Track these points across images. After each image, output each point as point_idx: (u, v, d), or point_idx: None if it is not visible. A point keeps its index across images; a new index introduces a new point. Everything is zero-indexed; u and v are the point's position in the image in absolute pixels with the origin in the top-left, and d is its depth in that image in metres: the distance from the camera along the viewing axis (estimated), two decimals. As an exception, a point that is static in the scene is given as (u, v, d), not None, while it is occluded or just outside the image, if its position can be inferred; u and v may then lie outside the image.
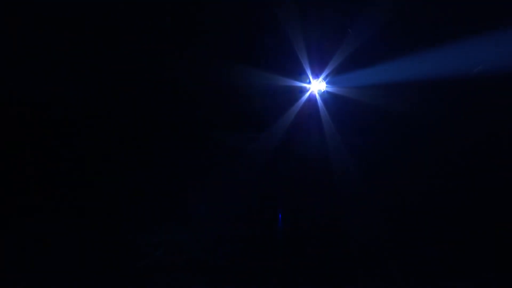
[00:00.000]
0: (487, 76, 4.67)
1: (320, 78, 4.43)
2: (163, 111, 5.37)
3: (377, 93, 4.56)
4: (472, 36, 4.74)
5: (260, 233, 5.14)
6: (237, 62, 5.36)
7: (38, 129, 5.20)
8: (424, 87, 4.71)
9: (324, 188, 4.58)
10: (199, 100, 5.38)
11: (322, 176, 4.59)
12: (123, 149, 5.31)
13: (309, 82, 4.46)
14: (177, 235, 5.24)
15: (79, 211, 5.21)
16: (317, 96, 4.44)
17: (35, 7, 5.00)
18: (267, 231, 4.99)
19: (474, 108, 4.87)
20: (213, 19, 5.31)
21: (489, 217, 5.13)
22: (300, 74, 4.60)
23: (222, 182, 5.35)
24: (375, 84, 4.52)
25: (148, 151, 5.36)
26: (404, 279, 4.68)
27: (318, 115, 4.52)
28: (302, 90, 4.58)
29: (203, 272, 4.93)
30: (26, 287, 4.57)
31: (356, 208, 4.72)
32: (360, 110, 4.63)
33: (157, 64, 5.34)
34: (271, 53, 5.24)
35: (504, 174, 5.05)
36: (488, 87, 4.70)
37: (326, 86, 4.37)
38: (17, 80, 5.15)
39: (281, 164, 4.61)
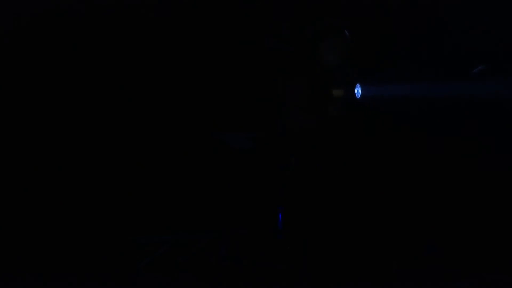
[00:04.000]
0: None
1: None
2: (163, 111, 5.37)
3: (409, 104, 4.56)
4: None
5: (261, 233, 5.14)
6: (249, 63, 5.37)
7: (38, 128, 5.20)
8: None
9: (324, 189, 4.58)
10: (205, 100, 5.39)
11: (321, 177, 4.59)
12: (122, 149, 5.31)
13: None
14: (177, 235, 5.24)
15: (78, 211, 5.21)
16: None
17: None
18: (268, 231, 4.98)
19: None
20: (214, 18, 5.32)
21: (489, 217, 5.13)
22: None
23: (222, 182, 5.35)
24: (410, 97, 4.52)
25: (147, 150, 5.36)
26: (404, 279, 4.68)
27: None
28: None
29: (203, 272, 4.93)
30: (26, 287, 4.56)
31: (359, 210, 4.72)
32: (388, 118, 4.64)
33: (157, 64, 5.34)
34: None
35: (504, 174, 5.06)
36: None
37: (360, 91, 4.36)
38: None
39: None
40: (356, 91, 4.34)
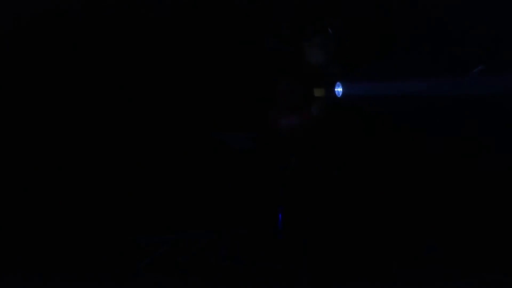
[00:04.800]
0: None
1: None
2: (163, 111, 5.37)
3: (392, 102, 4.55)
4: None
5: (261, 233, 5.14)
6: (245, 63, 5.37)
7: (38, 128, 5.20)
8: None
9: (324, 189, 4.58)
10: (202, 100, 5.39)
11: (321, 177, 4.59)
12: (122, 149, 5.31)
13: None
14: (177, 235, 5.24)
15: (78, 211, 5.21)
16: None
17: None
18: (268, 231, 4.98)
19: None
20: (214, 18, 5.32)
21: (489, 217, 5.13)
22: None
23: (222, 182, 5.35)
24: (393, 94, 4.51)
25: (148, 150, 5.36)
26: (404, 279, 4.68)
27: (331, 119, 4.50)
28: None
29: (203, 272, 4.93)
30: (26, 287, 4.56)
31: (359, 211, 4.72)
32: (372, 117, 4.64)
33: (157, 64, 5.34)
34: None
35: (504, 174, 5.06)
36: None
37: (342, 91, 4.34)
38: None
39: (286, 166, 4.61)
40: (337, 90, 4.32)
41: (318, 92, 4.36)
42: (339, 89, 4.31)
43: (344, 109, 4.45)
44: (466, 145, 5.06)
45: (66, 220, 5.15)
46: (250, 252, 5.07)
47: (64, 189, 5.19)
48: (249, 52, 5.38)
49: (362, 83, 4.42)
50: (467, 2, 5.00)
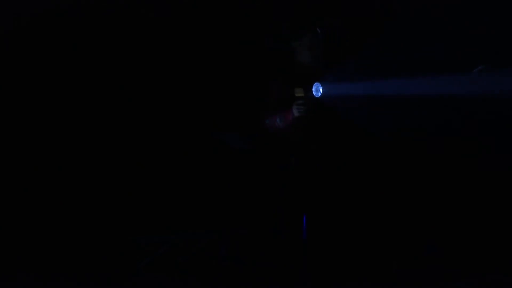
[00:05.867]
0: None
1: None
2: (163, 111, 5.38)
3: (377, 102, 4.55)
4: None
5: (261, 233, 5.14)
6: (235, 63, 5.37)
7: (38, 128, 5.21)
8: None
9: (324, 189, 4.58)
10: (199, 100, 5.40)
11: (321, 177, 4.59)
12: (122, 149, 5.32)
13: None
14: (177, 235, 5.24)
15: (78, 211, 5.22)
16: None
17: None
18: (268, 231, 4.99)
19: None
20: (214, 18, 5.32)
21: (489, 217, 5.13)
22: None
23: (222, 182, 5.35)
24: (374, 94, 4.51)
25: (147, 150, 5.36)
26: (404, 279, 4.68)
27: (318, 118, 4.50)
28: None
29: (203, 272, 4.93)
30: (25, 287, 4.57)
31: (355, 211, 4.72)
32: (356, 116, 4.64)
33: (157, 64, 5.34)
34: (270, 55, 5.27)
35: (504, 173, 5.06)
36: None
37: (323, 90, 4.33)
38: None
39: (281, 165, 4.61)
40: (315, 90, 4.31)
41: (298, 92, 4.38)
42: (319, 90, 4.30)
43: (344, 109, 4.45)
44: (466, 145, 5.06)
45: (66, 220, 5.16)
46: (250, 252, 5.07)
47: (64, 189, 5.20)
48: (249, 52, 5.38)
49: (362, 83, 4.42)
50: (467, 2, 5.00)
